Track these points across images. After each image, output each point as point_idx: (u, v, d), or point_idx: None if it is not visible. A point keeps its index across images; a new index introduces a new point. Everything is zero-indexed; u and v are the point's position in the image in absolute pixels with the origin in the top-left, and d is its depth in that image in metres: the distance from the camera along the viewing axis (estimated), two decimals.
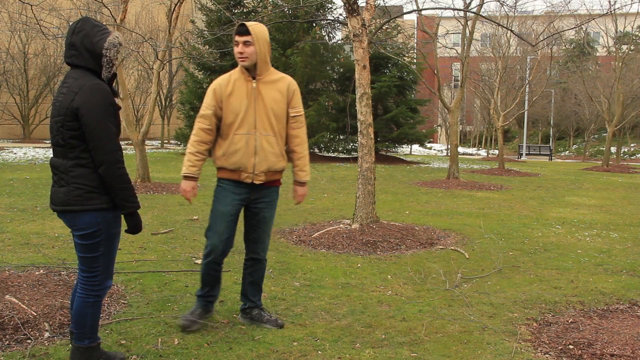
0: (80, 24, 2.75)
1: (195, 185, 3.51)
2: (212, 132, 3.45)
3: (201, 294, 3.58)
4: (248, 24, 3.35)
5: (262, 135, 3.39)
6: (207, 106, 3.42)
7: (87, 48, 2.70)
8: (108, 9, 10.05)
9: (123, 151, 2.75)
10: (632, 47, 24.79)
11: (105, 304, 3.82)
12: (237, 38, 3.35)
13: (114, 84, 2.87)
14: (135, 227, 2.83)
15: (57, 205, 2.76)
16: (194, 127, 3.48)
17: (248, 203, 3.53)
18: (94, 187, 2.71)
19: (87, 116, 2.63)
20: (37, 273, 4.39)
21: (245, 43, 3.32)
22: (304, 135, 3.56)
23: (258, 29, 3.34)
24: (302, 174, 3.59)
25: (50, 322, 3.37)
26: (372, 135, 6.52)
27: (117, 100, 2.83)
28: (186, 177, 3.47)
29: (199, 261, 5.08)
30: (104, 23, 12.77)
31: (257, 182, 3.45)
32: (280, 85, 3.45)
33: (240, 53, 3.34)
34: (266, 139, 3.41)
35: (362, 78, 6.39)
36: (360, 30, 6.33)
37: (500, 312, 3.94)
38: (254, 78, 3.41)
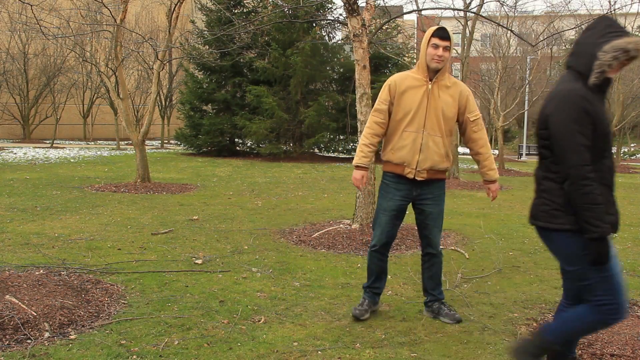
0: (594, 22, 2.53)
1: (366, 175, 3.77)
2: (385, 126, 3.69)
3: (367, 285, 3.84)
4: (448, 29, 3.56)
5: (429, 135, 3.57)
6: (382, 101, 3.66)
7: (586, 48, 2.47)
8: (108, 9, 10.04)
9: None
10: None
11: (105, 304, 3.82)
12: (438, 41, 3.51)
13: (606, 91, 2.55)
14: (596, 256, 2.41)
15: (530, 217, 2.68)
16: (369, 120, 3.72)
17: (413, 200, 3.70)
18: (560, 205, 2.51)
19: (553, 125, 2.45)
20: (37, 273, 4.38)
21: (446, 48, 3.51)
22: (485, 136, 3.71)
23: (452, 37, 3.54)
24: (491, 172, 3.73)
25: (50, 322, 3.37)
26: None
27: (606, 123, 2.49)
28: (358, 167, 3.72)
29: (199, 261, 5.08)
30: (104, 23, 12.79)
31: (418, 179, 3.61)
32: (453, 91, 3.61)
33: (439, 56, 3.51)
34: (433, 139, 3.57)
35: (362, 78, 6.38)
36: (360, 30, 6.33)
37: (500, 312, 3.94)
38: (430, 80, 3.58)
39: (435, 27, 3.56)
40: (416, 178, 3.60)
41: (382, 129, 3.69)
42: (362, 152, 3.71)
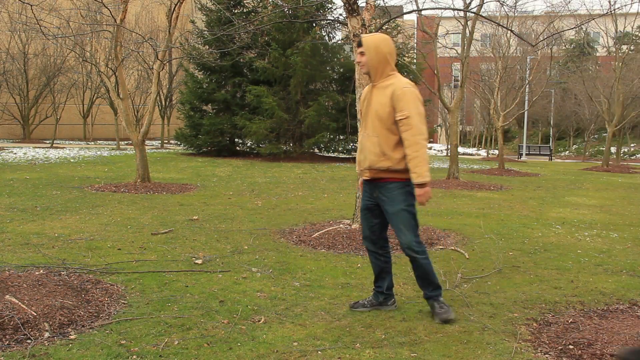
0: None
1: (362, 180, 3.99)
2: None
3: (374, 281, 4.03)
4: (363, 36, 3.78)
5: (368, 136, 3.75)
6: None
7: None
8: (108, 9, 10.04)
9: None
10: (632, 47, 24.80)
11: (105, 304, 3.82)
12: (358, 50, 3.80)
13: None
14: None
15: None
16: None
17: (377, 201, 3.84)
18: None
19: None
20: (37, 273, 4.39)
21: (361, 53, 3.76)
22: (412, 137, 3.61)
23: (369, 40, 3.73)
24: (413, 175, 3.67)
25: (50, 322, 3.37)
26: None
27: None
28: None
29: (199, 261, 5.09)
30: (104, 23, 12.80)
31: (364, 178, 3.84)
32: (389, 91, 3.70)
33: (358, 62, 3.85)
34: (370, 139, 3.73)
35: (362, 78, 6.38)
36: (360, 30, 6.33)
37: (500, 312, 3.94)
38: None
39: None
40: (364, 177, 3.82)
41: None
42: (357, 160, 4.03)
